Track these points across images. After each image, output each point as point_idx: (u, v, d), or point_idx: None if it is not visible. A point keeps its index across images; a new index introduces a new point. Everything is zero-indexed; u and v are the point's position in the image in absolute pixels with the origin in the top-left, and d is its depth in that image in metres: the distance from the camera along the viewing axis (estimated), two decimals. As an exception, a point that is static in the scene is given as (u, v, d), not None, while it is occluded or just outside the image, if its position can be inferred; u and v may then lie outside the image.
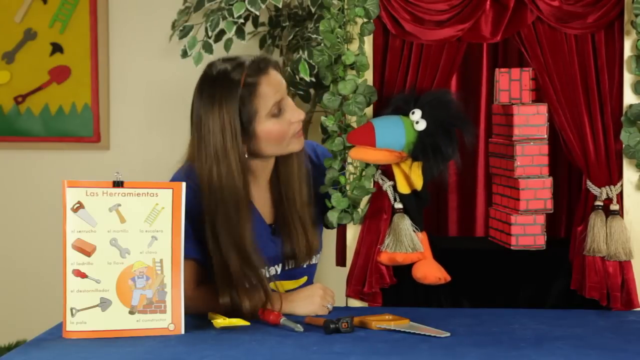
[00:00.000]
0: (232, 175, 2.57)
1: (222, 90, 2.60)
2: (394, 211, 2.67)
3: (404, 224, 2.65)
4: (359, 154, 2.61)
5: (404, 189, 2.65)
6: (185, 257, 2.41)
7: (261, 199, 2.72)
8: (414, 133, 2.56)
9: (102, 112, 4.25)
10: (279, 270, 2.72)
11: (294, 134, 2.66)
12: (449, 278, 2.65)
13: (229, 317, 2.45)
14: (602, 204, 2.65)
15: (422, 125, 2.56)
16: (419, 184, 2.63)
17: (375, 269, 2.67)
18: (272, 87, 2.63)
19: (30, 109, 4.27)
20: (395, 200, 2.67)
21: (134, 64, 4.25)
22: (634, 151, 2.61)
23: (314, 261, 2.77)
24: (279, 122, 2.64)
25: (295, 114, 2.66)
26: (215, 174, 2.57)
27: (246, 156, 2.62)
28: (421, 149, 2.55)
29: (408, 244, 2.64)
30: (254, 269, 2.55)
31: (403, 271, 2.70)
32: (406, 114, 2.58)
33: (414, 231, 2.66)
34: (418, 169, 2.61)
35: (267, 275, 2.71)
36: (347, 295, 2.70)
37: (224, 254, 2.54)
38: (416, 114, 2.56)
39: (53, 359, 2.18)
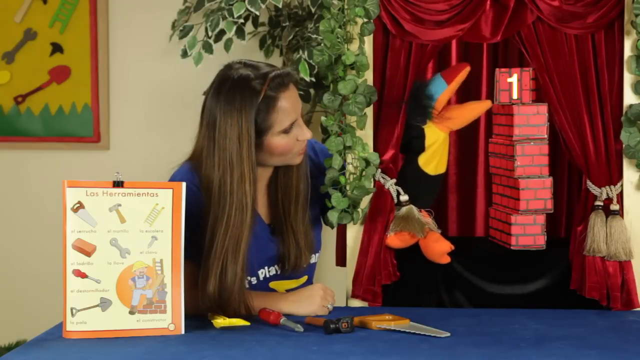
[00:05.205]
0: (244, 181, 2.54)
1: (243, 96, 2.56)
2: (399, 206, 2.67)
3: (412, 213, 2.67)
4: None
5: (442, 167, 2.74)
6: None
7: (260, 201, 2.71)
8: None
9: (102, 112, 4.24)
10: (278, 270, 2.73)
11: (299, 151, 2.66)
12: (452, 246, 2.69)
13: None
14: (602, 204, 2.66)
15: None
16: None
17: (384, 265, 2.67)
18: (290, 105, 2.61)
19: (30, 109, 4.27)
20: (399, 194, 2.67)
21: (134, 64, 4.25)
22: (634, 151, 2.61)
23: (312, 260, 2.77)
24: (287, 137, 2.62)
25: (304, 133, 2.64)
26: (228, 179, 2.53)
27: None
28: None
29: (419, 231, 2.67)
30: (244, 277, 2.55)
31: (403, 271, 2.70)
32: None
33: (419, 211, 2.69)
34: None
35: (268, 275, 2.71)
36: (354, 296, 2.69)
37: (218, 257, 2.52)
38: None
39: (53, 359, 2.18)
